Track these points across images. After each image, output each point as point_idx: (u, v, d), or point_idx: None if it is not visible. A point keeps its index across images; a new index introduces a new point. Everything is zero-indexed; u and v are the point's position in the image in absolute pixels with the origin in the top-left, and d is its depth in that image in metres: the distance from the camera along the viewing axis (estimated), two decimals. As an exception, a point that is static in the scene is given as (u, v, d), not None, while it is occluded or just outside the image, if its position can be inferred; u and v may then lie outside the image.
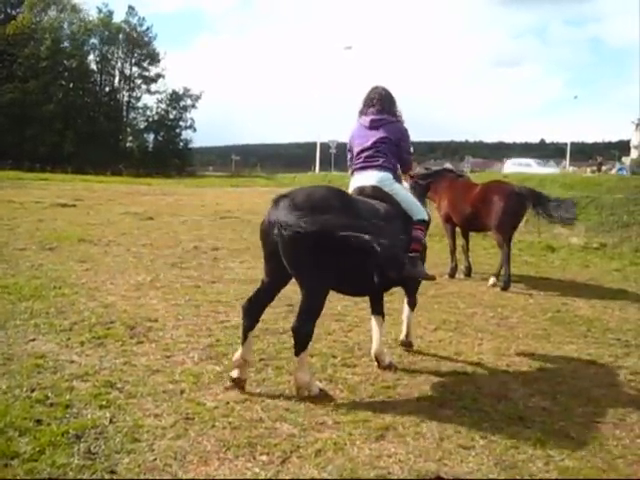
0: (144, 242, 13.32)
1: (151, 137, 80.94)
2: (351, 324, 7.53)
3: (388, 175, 6.03)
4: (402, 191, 6.16)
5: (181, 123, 79.90)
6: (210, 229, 16.10)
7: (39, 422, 4.43)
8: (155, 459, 4.04)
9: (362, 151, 6.14)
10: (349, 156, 6.47)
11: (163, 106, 79.67)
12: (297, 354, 5.18)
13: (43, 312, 7.36)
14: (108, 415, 4.62)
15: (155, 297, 8.43)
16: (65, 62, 73.22)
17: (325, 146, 61.43)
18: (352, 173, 6.27)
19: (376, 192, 5.91)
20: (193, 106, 79.54)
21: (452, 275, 11.51)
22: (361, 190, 5.98)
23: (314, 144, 64.42)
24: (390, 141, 6.11)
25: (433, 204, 12.05)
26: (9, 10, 78.81)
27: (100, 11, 77.89)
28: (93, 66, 78.76)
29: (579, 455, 4.39)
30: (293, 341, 5.23)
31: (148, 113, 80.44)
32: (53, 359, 5.79)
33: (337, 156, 61.37)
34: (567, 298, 9.82)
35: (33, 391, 4.99)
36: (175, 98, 78.98)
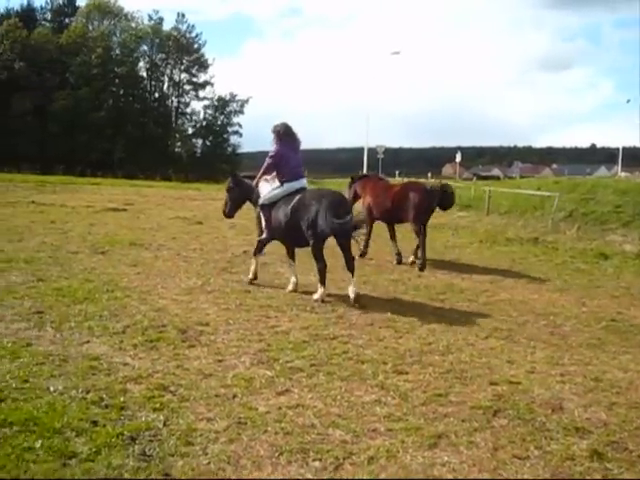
0: (194, 246, 13.45)
1: (199, 142, 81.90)
2: (401, 330, 7.48)
3: (305, 180, 9.79)
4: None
5: (228, 128, 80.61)
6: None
7: (95, 423, 4.50)
8: (209, 463, 4.06)
9: (293, 168, 9.57)
10: (271, 161, 9.63)
11: (211, 112, 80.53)
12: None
13: (96, 315, 7.48)
14: (162, 418, 4.67)
15: (206, 301, 8.50)
16: (116, 69, 74.54)
17: (373, 151, 61.19)
18: (285, 180, 9.50)
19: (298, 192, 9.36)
20: (240, 111, 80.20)
21: (399, 261, 13.04)
22: (299, 190, 9.42)
23: (361, 149, 64.21)
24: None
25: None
26: (63, 19, 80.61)
27: (151, 18, 79.27)
28: (143, 73, 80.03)
29: (638, 469, 4.29)
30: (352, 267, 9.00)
31: (196, 119, 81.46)
32: (107, 361, 5.88)
33: (384, 161, 61.13)
34: (622, 307, 9.63)
35: (88, 393, 5.08)
36: (222, 104, 79.72)
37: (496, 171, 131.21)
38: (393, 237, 13.52)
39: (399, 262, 12.97)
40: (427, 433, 4.64)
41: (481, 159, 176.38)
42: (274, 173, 9.73)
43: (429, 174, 70.36)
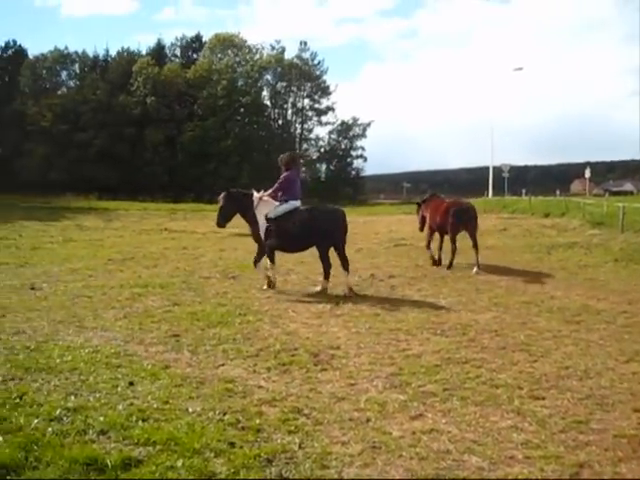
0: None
1: (323, 167, 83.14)
2: (536, 354, 7.26)
3: (300, 201, 11.80)
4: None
5: (352, 152, 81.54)
6: (385, 257, 16.15)
7: (232, 445, 4.61)
8: (344, 487, 4.07)
9: (296, 190, 11.67)
10: (279, 186, 11.60)
11: (334, 136, 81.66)
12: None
13: (230, 338, 7.71)
14: (297, 441, 4.72)
15: (336, 325, 8.58)
16: (240, 99, 76.78)
17: (498, 170, 60.00)
18: (286, 200, 11.50)
19: (298, 208, 11.57)
20: (363, 135, 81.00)
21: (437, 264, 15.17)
22: (296, 208, 11.53)
23: (485, 169, 63.15)
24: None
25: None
26: (190, 54, 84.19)
27: (273, 48, 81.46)
28: (267, 101, 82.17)
29: None
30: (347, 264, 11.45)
31: (320, 144, 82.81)
32: (242, 384, 6.04)
33: (510, 180, 59.71)
34: None
35: (225, 414, 5.22)
36: (345, 128, 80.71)
37: (629, 186, 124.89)
38: (440, 247, 15.37)
39: (434, 264, 15.02)
40: (568, 462, 4.46)
41: (611, 174, 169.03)
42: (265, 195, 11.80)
43: (557, 191, 68.26)
